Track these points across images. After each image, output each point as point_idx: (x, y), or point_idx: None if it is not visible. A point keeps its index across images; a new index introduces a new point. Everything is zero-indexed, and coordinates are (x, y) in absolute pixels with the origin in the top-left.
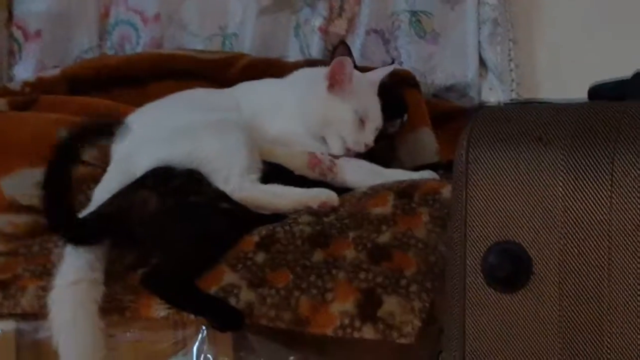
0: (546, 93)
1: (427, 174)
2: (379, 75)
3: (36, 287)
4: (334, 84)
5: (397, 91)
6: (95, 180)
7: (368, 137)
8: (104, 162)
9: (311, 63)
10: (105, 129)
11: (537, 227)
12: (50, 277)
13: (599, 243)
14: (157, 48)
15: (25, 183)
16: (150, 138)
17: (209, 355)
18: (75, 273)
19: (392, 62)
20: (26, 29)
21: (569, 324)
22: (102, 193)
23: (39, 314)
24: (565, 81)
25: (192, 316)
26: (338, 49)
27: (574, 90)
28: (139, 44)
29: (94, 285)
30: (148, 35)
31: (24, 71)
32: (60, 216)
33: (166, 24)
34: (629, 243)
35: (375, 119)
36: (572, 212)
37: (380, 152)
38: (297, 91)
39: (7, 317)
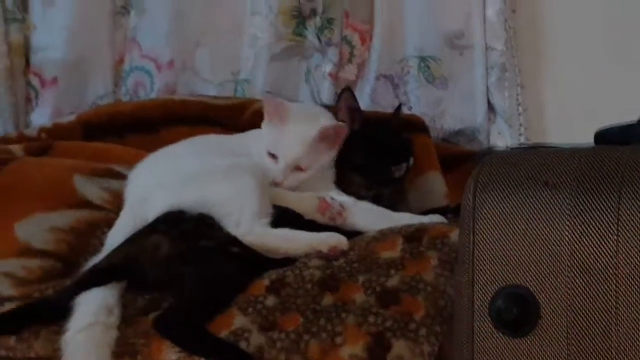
0: (554, 137)
1: (435, 218)
2: (327, 122)
3: (49, 331)
4: (267, 116)
5: (403, 135)
6: (108, 224)
7: (277, 172)
8: (116, 207)
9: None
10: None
11: (544, 271)
12: (64, 322)
13: (606, 287)
14: (171, 94)
15: (40, 228)
16: (163, 183)
17: None
18: (90, 317)
19: (399, 107)
20: (43, 76)
21: None
22: (115, 238)
23: (52, 358)
24: (573, 125)
25: None
26: (343, 95)
27: (581, 134)
28: (154, 90)
29: (109, 330)
30: (162, 82)
31: (40, 117)
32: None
33: (180, 70)
34: (636, 287)
35: (287, 157)
36: (579, 256)
37: (389, 196)
38: None
39: None
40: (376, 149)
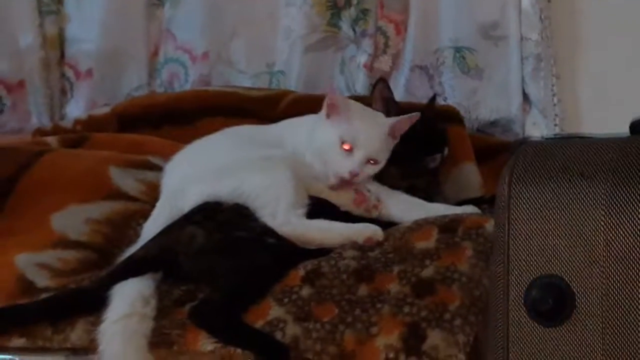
0: (589, 127)
1: (469, 209)
2: (394, 118)
3: (85, 322)
4: (330, 111)
5: (437, 126)
6: (144, 216)
7: (353, 164)
8: (152, 198)
9: (356, 99)
10: None
11: (579, 261)
12: (99, 312)
13: None
14: (205, 85)
15: (75, 219)
16: (198, 174)
17: None
18: (126, 307)
19: (434, 97)
20: (77, 68)
21: (612, 358)
22: (150, 229)
23: (88, 348)
24: (608, 115)
25: (239, 350)
26: (377, 85)
27: (616, 124)
28: (188, 81)
29: (145, 320)
30: (196, 73)
31: (75, 109)
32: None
33: (214, 61)
34: None
35: (366, 147)
36: (614, 245)
37: (424, 186)
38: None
39: (57, 352)
40: (410, 140)
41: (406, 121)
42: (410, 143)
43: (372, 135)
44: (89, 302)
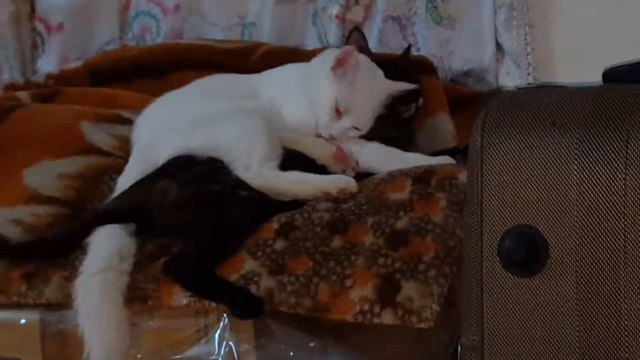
0: (562, 77)
1: (444, 160)
2: (395, 86)
3: (60, 277)
4: (338, 65)
5: (412, 75)
6: (117, 170)
7: (336, 129)
8: (124, 153)
9: None
10: None
11: (552, 210)
12: (73, 268)
13: (615, 225)
14: (177, 38)
15: (48, 174)
16: (171, 127)
17: (230, 343)
18: (102, 262)
19: (408, 47)
20: (48, 22)
21: (586, 306)
22: (124, 183)
23: (63, 303)
24: (582, 64)
25: (213, 304)
26: (352, 35)
27: (590, 73)
28: (159, 34)
29: (121, 275)
30: (168, 26)
31: (47, 64)
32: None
33: (186, 14)
34: None
35: (356, 117)
36: (587, 195)
37: (398, 136)
38: (312, 68)
39: (32, 308)
40: None
41: (404, 92)
42: None
43: (367, 105)
44: (57, 250)
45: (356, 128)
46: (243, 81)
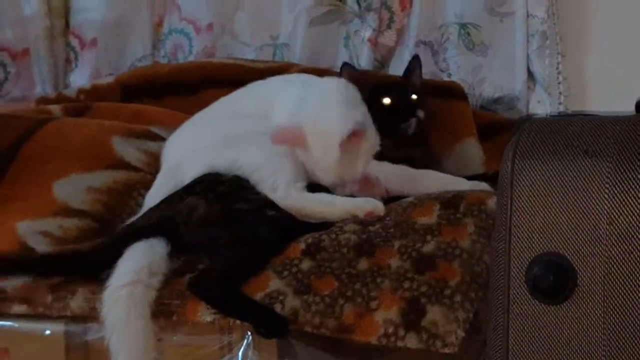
0: (594, 106)
1: (482, 185)
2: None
3: (86, 290)
4: (348, 142)
5: (407, 91)
6: (145, 186)
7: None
8: (153, 168)
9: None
10: None
11: (582, 239)
12: (100, 281)
13: None
14: (209, 57)
15: (77, 187)
16: (200, 145)
17: None
18: (131, 275)
19: (409, 68)
20: (82, 37)
21: (613, 337)
22: (152, 199)
23: (87, 316)
24: (613, 94)
25: (237, 322)
26: (343, 69)
27: (622, 103)
28: (192, 52)
29: (149, 289)
30: (200, 45)
31: (79, 78)
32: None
33: (219, 33)
34: None
35: (353, 184)
36: (617, 224)
37: (420, 156)
38: (320, 95)
39: (57, 319)
40: (381, 110)
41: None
42: (382, 113)
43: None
44: (86, 266)
45: None
46: (268, 98)
